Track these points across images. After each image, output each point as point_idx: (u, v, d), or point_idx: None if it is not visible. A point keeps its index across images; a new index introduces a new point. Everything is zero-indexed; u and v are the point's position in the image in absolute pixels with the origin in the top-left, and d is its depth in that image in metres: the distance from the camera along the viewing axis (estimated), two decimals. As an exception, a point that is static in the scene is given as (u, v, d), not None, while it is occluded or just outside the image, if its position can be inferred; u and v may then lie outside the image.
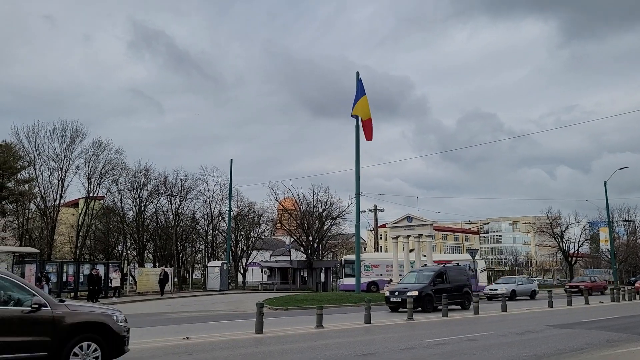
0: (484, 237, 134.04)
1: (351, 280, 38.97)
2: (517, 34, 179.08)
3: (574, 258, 70.29)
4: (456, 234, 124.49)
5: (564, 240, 68.45)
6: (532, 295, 35.83)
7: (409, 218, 40.64)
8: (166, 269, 38.28)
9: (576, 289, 36.60)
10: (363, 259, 41.31)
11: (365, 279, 41.08)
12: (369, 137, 34.70)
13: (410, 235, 41.28)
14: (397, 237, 41.98)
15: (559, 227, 69.03)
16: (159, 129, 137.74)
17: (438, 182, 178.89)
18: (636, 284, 38.91)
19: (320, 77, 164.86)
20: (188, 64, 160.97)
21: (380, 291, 40.30)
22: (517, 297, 34.39)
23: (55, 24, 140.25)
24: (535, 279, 77.97)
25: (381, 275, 42.87)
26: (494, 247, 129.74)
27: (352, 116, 34.76)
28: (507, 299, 25.23)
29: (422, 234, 40.23)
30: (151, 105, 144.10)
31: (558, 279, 78.58)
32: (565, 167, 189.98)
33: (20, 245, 37.42)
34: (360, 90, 34.44)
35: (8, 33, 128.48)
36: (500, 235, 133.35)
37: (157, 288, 36.73)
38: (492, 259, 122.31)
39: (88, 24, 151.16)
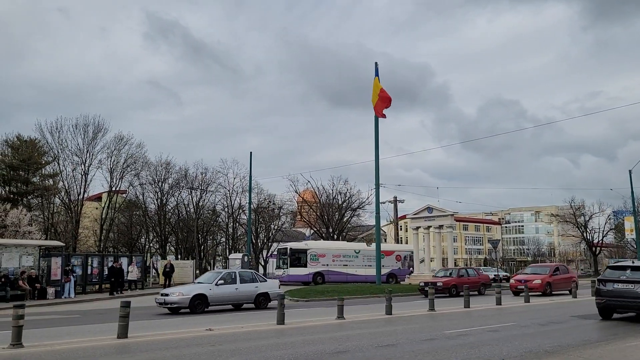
0: (506, 227, 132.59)
1: (298, 271, 38.73)
2: (539, 17, 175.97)
3: (598, 248, 69.22)
4: (477, 224, 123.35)
5: (587, 230, 67.45)
6: None
7: (429, 209, 40.46)
8: (172, 261, 38.17)
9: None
10: (309, 248, 40.35)
11: (311, 269, 39.46)
12: (379, 113, 32.49)
13: (430, 226, 41.09)
14: (418, 228, 41.85)
15: (582, 216, 67.99)
16: (178, 121, 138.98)
17: (459, 172, 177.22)
18: (511, 281, 29.49)
19: (338, 66, 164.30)
20: (205, 55, 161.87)
21: (402, 281, 40.14)
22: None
23: (71, 17, 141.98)
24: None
25: (327, 265, 40.01)
26: (516, 238, 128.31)
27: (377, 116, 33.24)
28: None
29: (442, 225, 40.03)
30: (170, 98, 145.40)
31: (582, 270, 77.48)
32: (589, 155, 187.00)
33: (46, 239, 38.14)
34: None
35: (28, 28, 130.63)
36: (522, 226, 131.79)
37: (181, 281, 37.11)
38: (514, 250, 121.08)
39: (103, 17, 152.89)
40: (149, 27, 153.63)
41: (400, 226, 71.74)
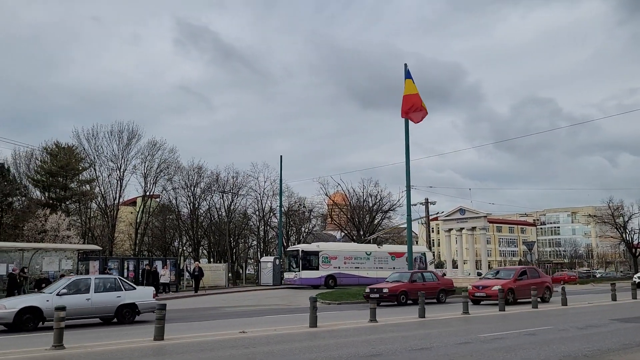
0: (541, 228, 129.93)
1: (310, 274, 37.30)
2: (573, 12, 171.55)
3: (639, 249, 67.12)
4: (511, 226, 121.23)
5: (627, 230, 65.46)
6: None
7: (461, 210, 40.01)
8: (200, 265, 37.62)
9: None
10: (321, 250, 38.80)
11: (323, 271, 37.78)
12: (414, 118, 32.02)
13: (463, 228, 40.62)
14: (450, 230, 41.42)
15: (621, 217, 65.99)
16: (210, 126, 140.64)
17: (491, 173, 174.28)
18: (469, 287, 24.45)
19: (368, 67, 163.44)
20: (235, 59, 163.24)
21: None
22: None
23: (104, 25, 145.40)
24: (597, 271, 75.23)
25: (339, 267, 38.45)
26: (552, 239, 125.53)
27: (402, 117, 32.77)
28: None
29: (475, 227, 39.52)
30: (201, 102, 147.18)
31: (621, 272, 75.24)
32: (627, 153, 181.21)
33: (83, 243, 39.15)
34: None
35: (64, 37, 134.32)
36: (559, 227, 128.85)
37: (213, 283, 37.60)
38: (549, 251, 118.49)
39: (135, 24, 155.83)
40: (179, 33, 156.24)
41: (432, 228, 71.05)
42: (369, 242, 46.59)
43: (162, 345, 10.86)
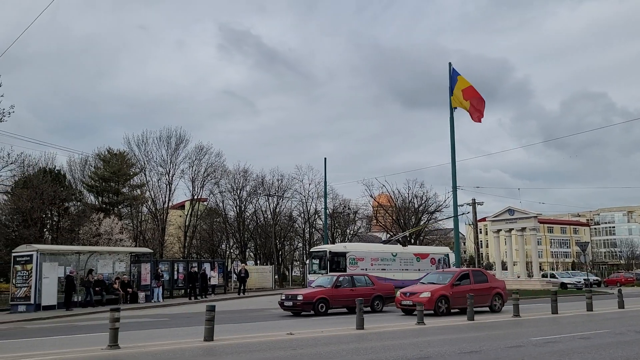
0: (595, 229, 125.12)
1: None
2: (626, 2, 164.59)
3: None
4: (563, 226, 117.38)
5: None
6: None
7: (510, 211, 39.10)
8: (246, 267, 37.62)
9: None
10: (348, 251, 35.88)
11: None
12: (476, 118, 31.55)
13: (512, 229, 39.67)
14: (498, 230, 40.53)
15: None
16: (254, 129, 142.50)
17: (541, 172, 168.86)
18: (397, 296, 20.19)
19: (411, 67, 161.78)
20: (278, 62, 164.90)
21: None
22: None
23: (150, 33, 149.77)
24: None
25: (366, 270, 34.41)
26: (607, 240, 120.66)
27: (453, 108, 32.32)
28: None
29: (525, 227, 38.53)
30: (246, 106, 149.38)
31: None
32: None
33: (135, 246, 40.44)
34: (453, 81, 33.24)
35: (113, 45, 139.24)
36: (614, 227, 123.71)
37: (260, 285, 38.03)
38: (604, 252, 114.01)
39: (179, 31, 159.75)
40: (222, 38, 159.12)
41: (480, 229, 69.61)
42: (394, 243, 44.15)
43: (212, 346, 11.08)
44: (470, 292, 18.07)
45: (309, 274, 36.44)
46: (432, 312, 18.11)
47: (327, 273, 32.77)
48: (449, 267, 40.05)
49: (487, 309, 19.75)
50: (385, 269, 36.47)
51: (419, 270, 36.23)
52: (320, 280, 22.58)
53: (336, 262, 34.81)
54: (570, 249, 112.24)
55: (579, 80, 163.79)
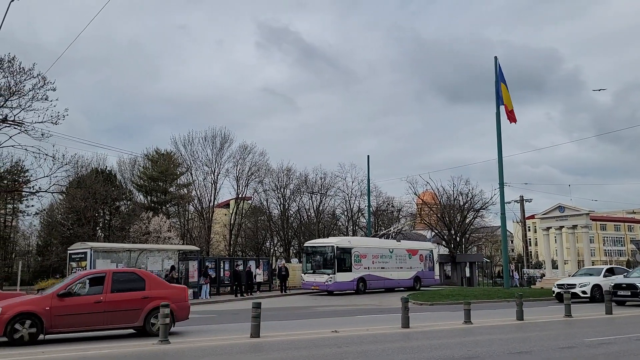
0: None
1: (344, 277, 30.27)
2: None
3: None
4: (617, 223, 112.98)
5: None
6: None
7: (560, 208, 37.93)
8: (287, 264, 36.46)
9: None
10: (353, 246, 31.62)
11: (355, 273, 30.92)
12: (512, 119, 32.62)
13: (562, 227, 38.49)
14: (548, 228, 39.40)
15: None
16: (296, 127, 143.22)
17: (593, 167, 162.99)
18: None
19: (454, 60, 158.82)
20: (318, 59, 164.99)
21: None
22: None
23: (191, 34, 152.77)
24: None
25: (368, 268, 31.87)
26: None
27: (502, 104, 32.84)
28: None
29: (576, 225, 37.33)
30: (287, 104, 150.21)
31: None
32: None
33: (183, 244, 41.44)
34: (500, 77, 32.74)
35: (157, 47, 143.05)
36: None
37: (300, 284, 38.11)
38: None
39: (219, 30, 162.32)
40: (261, 36, 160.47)
41: (529, 227, 67.85)
42: (387, 237, 39.93)
43: (259, 343, 11.24)
44: (87, 307, 11.98)
45: (304, 273, 31.94)
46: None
47: (334, 272, 29.74)
48: (433, 263, 37.73)
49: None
50: (384, 267, 33.25)
51: (411, 268, 34.75)
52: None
53: (343, 259, 30.61)
54: (624, 247, 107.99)
55: (634, 70, 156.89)
